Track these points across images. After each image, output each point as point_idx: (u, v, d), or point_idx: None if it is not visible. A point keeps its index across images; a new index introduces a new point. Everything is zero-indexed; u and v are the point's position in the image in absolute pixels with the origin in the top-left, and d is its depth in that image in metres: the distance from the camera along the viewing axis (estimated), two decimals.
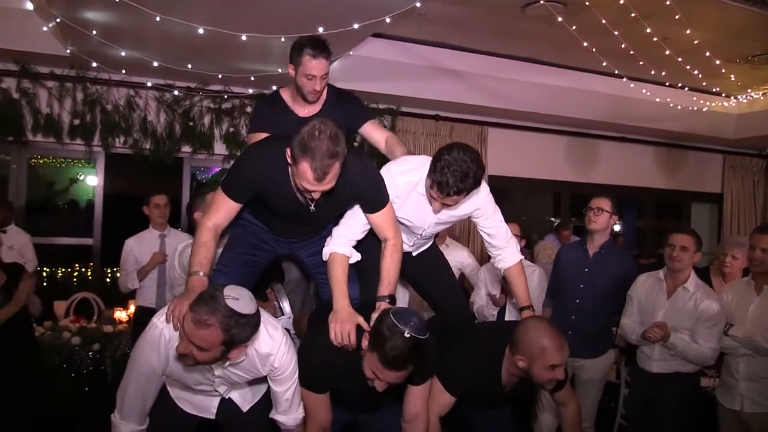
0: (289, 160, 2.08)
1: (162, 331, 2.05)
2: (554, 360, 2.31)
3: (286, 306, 3.06)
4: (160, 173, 5.97)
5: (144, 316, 4.46)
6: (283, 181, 2.19)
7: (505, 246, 2.70)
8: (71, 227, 7.14)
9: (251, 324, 1.95)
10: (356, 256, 2.47)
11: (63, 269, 7.64)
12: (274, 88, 3.02)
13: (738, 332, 3.24)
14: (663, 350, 3.37)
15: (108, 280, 6.58)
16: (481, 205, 2.58)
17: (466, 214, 2.62)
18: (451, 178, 2.22)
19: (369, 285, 2.49)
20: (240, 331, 1.91)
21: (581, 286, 3.69)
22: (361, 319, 2.25)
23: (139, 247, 4.61)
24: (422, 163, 2.43)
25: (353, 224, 2.44)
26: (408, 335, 2.04)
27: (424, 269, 2.86)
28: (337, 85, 2.86)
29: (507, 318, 4.14)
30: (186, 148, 5.82)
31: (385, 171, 2.48)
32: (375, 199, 2.36)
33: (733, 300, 3.39)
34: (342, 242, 2.43)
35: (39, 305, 4.01)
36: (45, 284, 7.32)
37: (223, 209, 2.28)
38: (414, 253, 2.81)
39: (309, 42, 2.56)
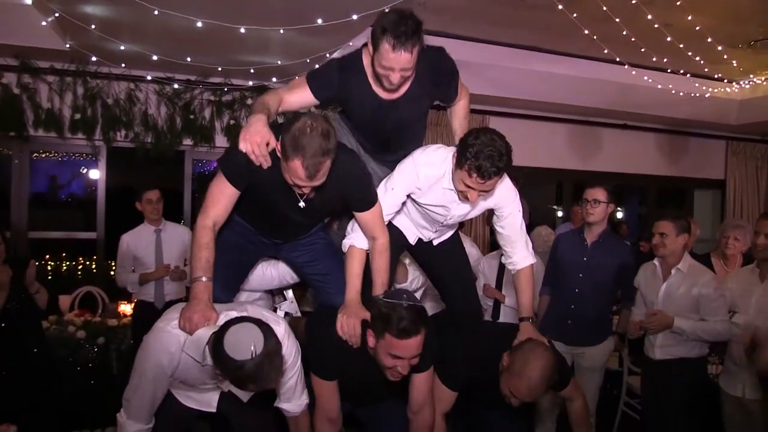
0: (280, 155, 2.05)
1: (178, 337, 2.05)
2: (527, 396, 2.37)
3: (288, 292, 3.10)
4: (162, 166, 5.99)
5: (143, 311, 4.53)
6: (274, 173, 2.13)
7: (516, 246, 2.62)
8: (74, 221, 7.17)
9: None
10: None
11: (67, 263, 7.70)
12: (352, 44, 2.60)
13: (740, 320, 3.25)
14: (666, 336, 3.41)
15: (112, 273, 6.62)
16: (505, 194, 2.52)
17: (491, 205, 2.56)
18: (488, 161, 2.17)
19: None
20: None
21: (580, 275, 3.71)
22: (368, 315, 2.28)
23: (135, 242, 4.61)
24: (446, 155, 2.40)
25: None
26: (406, 304, 2.14)
27: (441, 259, 2.83)
28: None
29: (501, 316, 4.19)
30: (187, 141, 5.82)
31: (410, 160, 2.45)
32: (364, 198, 2.35)
33: (737, 288, 3.39)
34: (360, 236, 2.43)
35: (46, 297, 4.02)
36: (50, 278, 7.37)
37: (221, 200, 2.19)
38: (435, 242, 2.78)
39: (391, 27, 2.12)
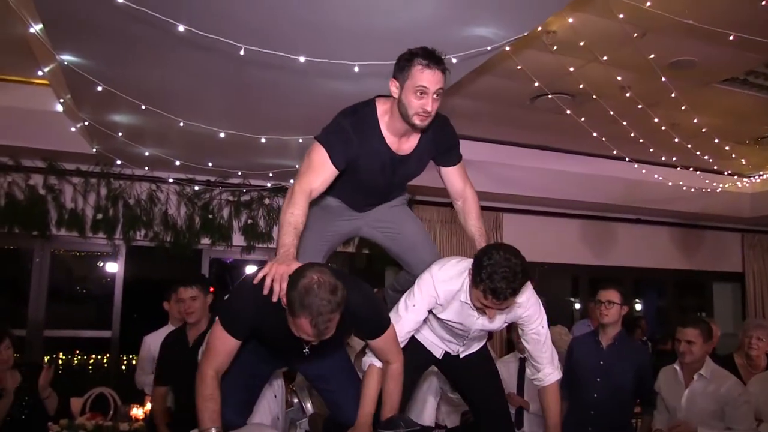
0: (285, 307, 1.97)
1: None
2: None
3: (308, 405, 3.04)
4: (180, 264, 6.05)
5: None
6: (277, 319, 2.05)
7: (541, 360, 2.57)
8: (89, 315, 7.18)
9: None
10: None
11: (79, 357, 7.63)
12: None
13: None
14: None
15: (123, 368, 6.55)
16: (526, 309, 2.47)
17: (512, 319, 2.52)
18: (503, 282, 2.12)
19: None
20: None
21: (597, 379, 3.62)
22: None
23: (157, 344, 4.55)
24: (463, 270, 2.37)
25: None
26: None
27: (469, 373, 2.76)
28: None
29: (525, 424, 4.07)
30: (205, 240, 5.92)
31: (427, 275, 2.43)
32: (376, 327, 2.26)
33: (761, 394, 3.30)
34: None
35: (56, 403, 3.96)
36: (60, 372, 7.29)
37: (223, 351, 2.12)
38: (462, 355, 2.73)
39: (421, 51, 2.16)
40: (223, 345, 2.12)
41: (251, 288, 2.07)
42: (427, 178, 2.63)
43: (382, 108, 2.33)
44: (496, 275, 2.12)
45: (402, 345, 2.39)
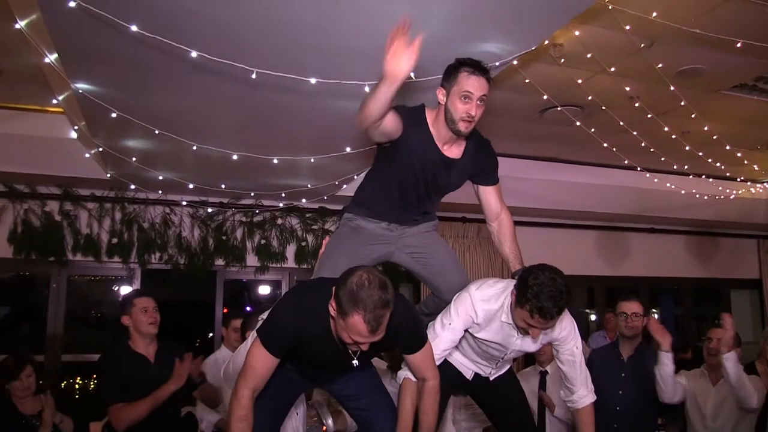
0: (333, 314, 1.99)
1: None
2: None
3: (329, 421, 3.05)
4: (194, 285, 6.08)
5: None
6: (321, 332, 2.09)
7: (575, 382, 2.60)
8: (107, 342, 7.20)
9: None
10: None
11: (97, 381, 7.64)
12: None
13: None
14: None
15: None
16: (564, 330, 2.50)
17: (548, 340, 2.54)
18: (550, 301, 2.16)
19: None
20: None
21: (620, 392, 3.59)
22: None
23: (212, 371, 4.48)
24: (503, 290, 2.41)
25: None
26: None
27: (498, 395, 2.78)
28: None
29: (548, 429, 4.03)
30: (219, 261, 5.95)
31: (465, 294, 2.44)
32: (415, 341, 2.28)
33: None
34: None
35: (72, 425, 3.97)
36: (77, 396, 7.31)
37: (261, 370, 2.12)
38: (492, 378, 2.75)
39: (468, 60, 2.27)
40: (262, 363, 2.11)
41: (292, 304, 2.12)
42: None
43: (429, 115, 2.42)
44: (543, 294, 2.16)
45: (437, 363, 2.40)
